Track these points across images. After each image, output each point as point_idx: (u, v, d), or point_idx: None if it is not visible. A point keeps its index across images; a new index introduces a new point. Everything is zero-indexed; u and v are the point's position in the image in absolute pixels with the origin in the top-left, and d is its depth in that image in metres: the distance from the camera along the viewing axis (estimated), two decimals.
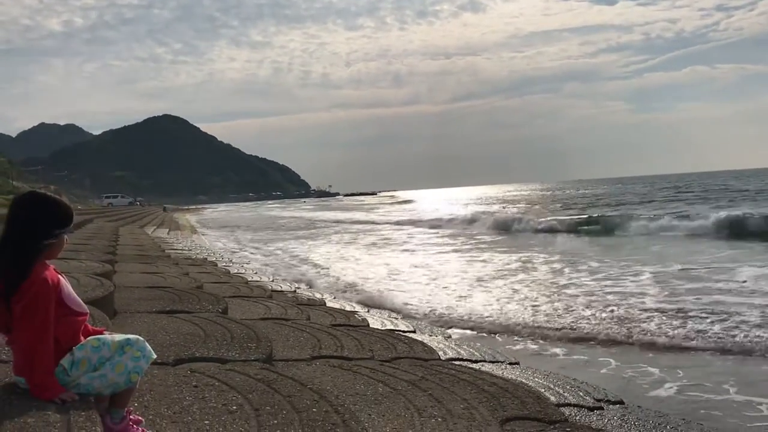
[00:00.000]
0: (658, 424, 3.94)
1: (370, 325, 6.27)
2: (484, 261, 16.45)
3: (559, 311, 8.98)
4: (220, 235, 32.58)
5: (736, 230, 21.42)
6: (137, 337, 2.12)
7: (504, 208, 52.61)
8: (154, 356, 2.15)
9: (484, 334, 8.02)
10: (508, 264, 15.29)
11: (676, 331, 7.48)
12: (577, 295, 10.28)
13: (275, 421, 2.35)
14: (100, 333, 2.15)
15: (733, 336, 7.15)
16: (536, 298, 10.20)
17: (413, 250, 21.09)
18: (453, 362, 4.70)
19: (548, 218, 32.33)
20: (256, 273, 11.94)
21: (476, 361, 5.20)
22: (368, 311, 8.03)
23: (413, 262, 16.82)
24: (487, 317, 8.81)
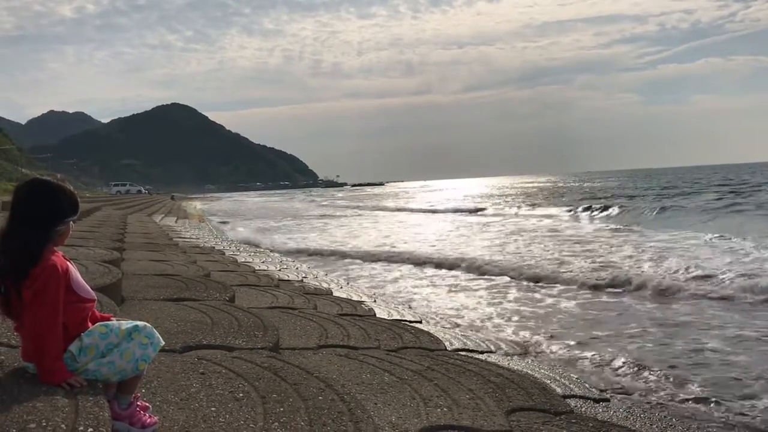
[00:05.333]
0: (664, 416, 3.93)
1: (377, 315, 6.29)
2: None
3: None
4: None
5: None
6: (145, 323, 2.13)
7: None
8: (163, 343, 2.15)
9: None
10: None
11: None
12: None
13: (281, 409, 2.36)
14: (108, 319, 2.15)
15: None
16: None
17: None
18: (459, 353, 4.71)
19: None
20: (263, 262, 11.97)
21: (483, 352, 5.20)
22: (375, 301, 8.04)
23: None
24: None
